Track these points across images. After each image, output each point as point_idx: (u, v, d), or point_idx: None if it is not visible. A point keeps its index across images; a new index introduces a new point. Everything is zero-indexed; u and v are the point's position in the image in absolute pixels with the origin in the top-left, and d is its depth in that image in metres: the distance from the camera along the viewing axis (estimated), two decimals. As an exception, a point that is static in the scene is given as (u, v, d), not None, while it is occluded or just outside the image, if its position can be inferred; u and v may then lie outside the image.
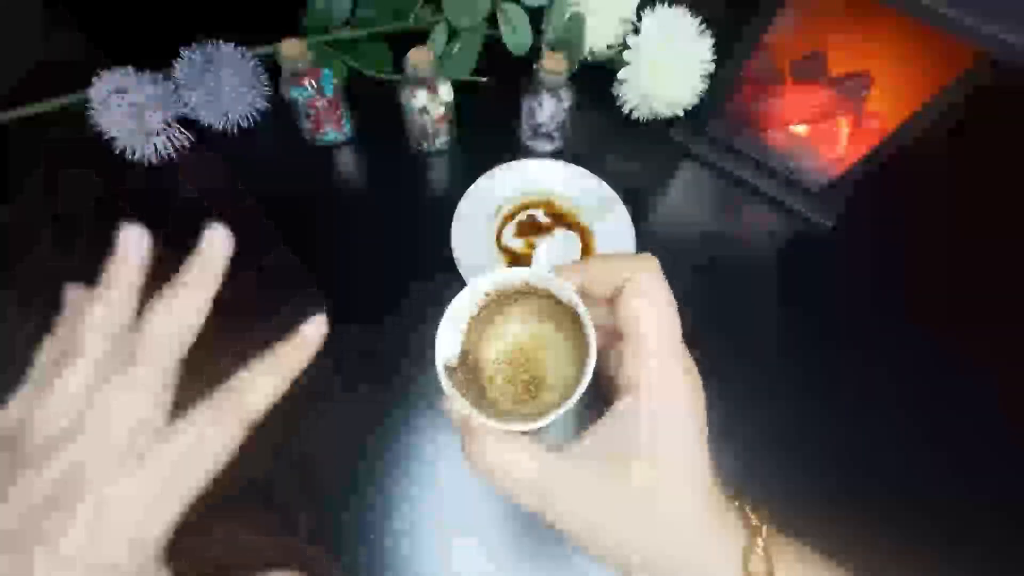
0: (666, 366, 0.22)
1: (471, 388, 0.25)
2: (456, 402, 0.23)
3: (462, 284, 0.43)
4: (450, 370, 0.24)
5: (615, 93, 0.52)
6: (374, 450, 0.39)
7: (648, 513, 0.21)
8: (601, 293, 0.24)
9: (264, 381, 0.22)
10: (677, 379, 0.22)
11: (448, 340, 0.24)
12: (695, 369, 0.23)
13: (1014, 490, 0.41)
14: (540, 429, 0.22)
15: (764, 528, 0.22)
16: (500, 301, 0.26)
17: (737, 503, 0.23)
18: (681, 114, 0.52)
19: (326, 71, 0.46)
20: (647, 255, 0.24)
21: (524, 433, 0.23)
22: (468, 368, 0.26)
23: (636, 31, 0.49)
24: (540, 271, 0.24)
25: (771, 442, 0.41)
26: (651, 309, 0.22)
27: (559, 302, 0.25)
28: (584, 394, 0.22)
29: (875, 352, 0.46)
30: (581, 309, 0.23)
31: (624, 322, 0.22)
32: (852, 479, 0.40)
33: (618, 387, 0.23)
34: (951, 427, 0.43)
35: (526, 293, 0.26)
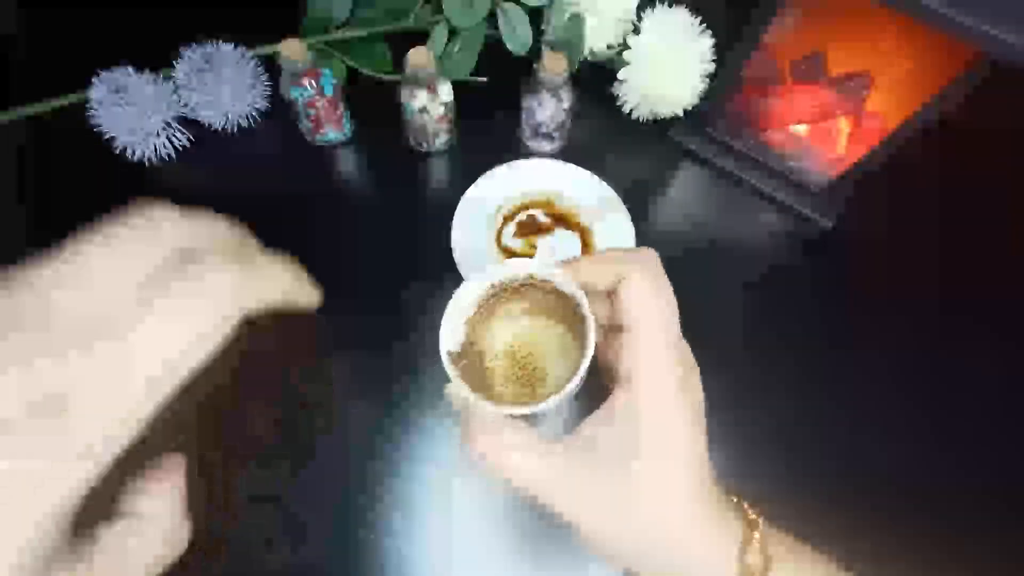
0: (663, 359, 0.22)
1: (474, 378, 0.25)
2: (457, 386, 0.23)
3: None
4: (453, 357, 0.24)
5: (615, 93, 0.52)
6: (376, 450, 0.39)
7: (643, 505, 0.21)
8: (602, 287, 0.24)
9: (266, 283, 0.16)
10: (674, 372, 0.22)
11: (452, 329, 0.25)
12: (693, 363, 0.23)
13: (1011, 487, 0.41)
14: (538, 416, 0.23)
15: (760, 522, 0.22)
16: (504, 293, 0.27)
17: (735, 498, 0.23)
18: (681, 114, 0.52)
19: (326, 71, 0.46)
20: (647, 249, 0.24)
21: (521, 418, 0.23)
22: (471, 358, 0.26)
23: (636, 31, 0.49)
24: (544, 264, 0.24)
25: (770, 440, 0.41)
26: (649, 302, 0.22)
27: (562, 295, 0.25)
28: (585, 386, 0.22)
29: (874, 351, 0.46)
30: (582, 301, 0.23)
31: (623, 315, 0.23)
32: (850, 477, 0.40)
33: (617, 379, 0.23)
34: (949, 425, 0.43)
35: (530, 286, 0.26)
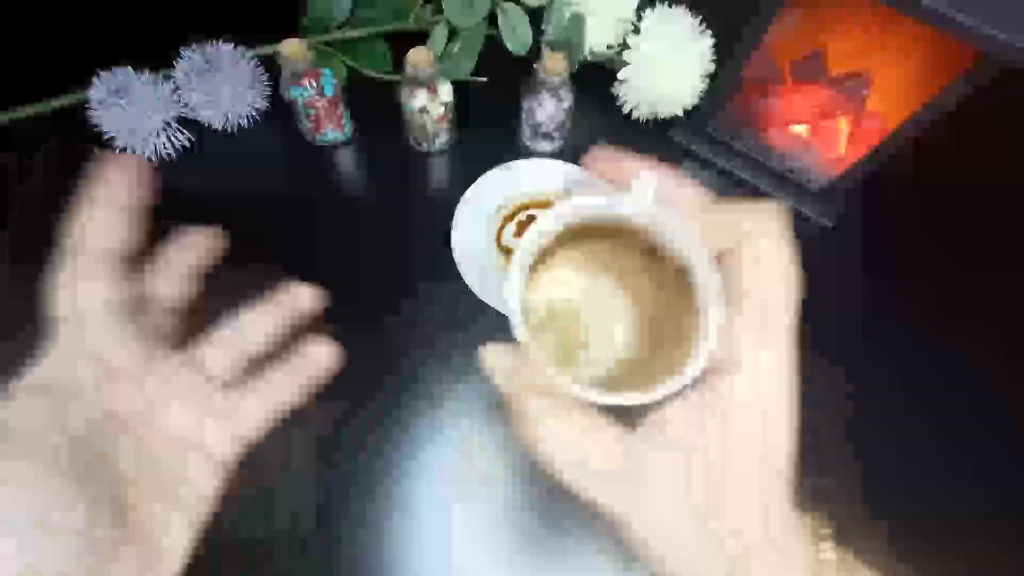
0: (786, 351, 0.18)
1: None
2: (533, 357, 0.18)
3: (462, 284, 0.43)
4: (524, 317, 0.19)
5: (615, 93, 0.52)
6: (374, 450, 0.39)
7: (723, 512, 0.18)
8: (715, 247, 0.19)
9: (260, 406, 0.24)
10: (785, 370, 0.18)
11: (521, 280, 0.19)
12: (795, 362, 0.19)
13: (1014, 487, 0.41)
14: (641, 406, 0.18)
15: (830, 545, 0.20)
16: (567, 238, 0.21)
17: (806, 515, 0.20)
18: (681, 114, 0.52)
19: (326, 71, 0.46)
20: (772, 207, 0.19)
21: (607, 408, 0.18)
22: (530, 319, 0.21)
23: (636, 31, 0.49)
24: (648, 204, 0.18)
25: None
26: (771, 283, 0.18)
27: (649, 249, 0.19)
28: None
29: (874, 352, 0.46)
30: (702, 265, 0.18)
31: (735, 289, 0.18)
32: (848, 476, 0.40)
33: (713, 361, 0.18)
34: (950, 426, 0.43)
35: (602, 231, 0.20)
